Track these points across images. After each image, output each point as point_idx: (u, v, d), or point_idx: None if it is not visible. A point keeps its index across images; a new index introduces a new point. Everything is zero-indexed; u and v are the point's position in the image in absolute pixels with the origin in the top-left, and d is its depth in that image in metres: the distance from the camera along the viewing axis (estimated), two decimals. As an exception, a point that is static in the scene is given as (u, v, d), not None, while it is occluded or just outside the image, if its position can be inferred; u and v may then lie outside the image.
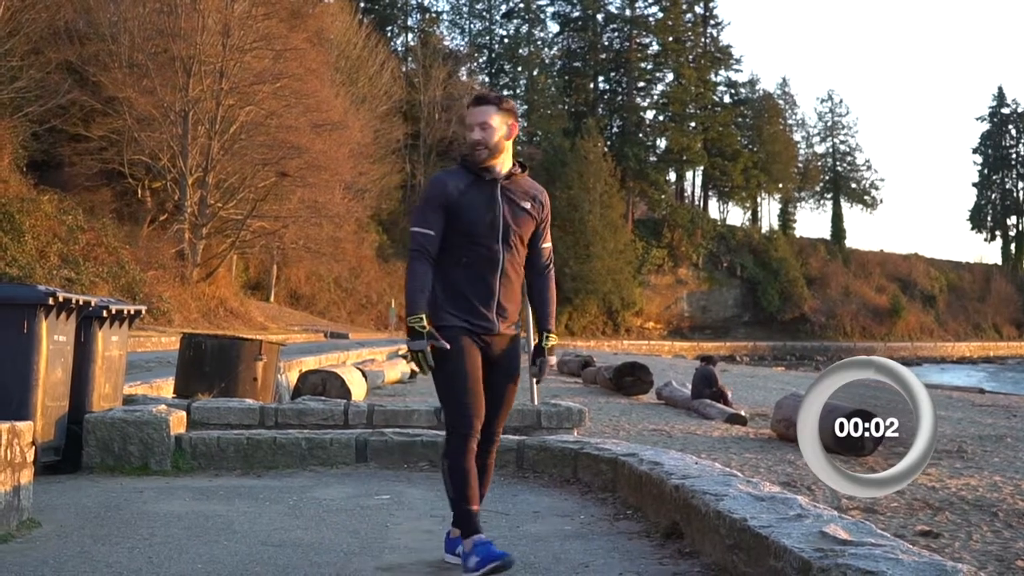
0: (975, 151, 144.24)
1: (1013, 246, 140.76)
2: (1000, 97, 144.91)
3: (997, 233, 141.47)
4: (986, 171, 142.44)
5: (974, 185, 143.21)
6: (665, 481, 5.48)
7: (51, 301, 7.16)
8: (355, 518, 5.91)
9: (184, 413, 8.43)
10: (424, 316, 4.64)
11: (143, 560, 4.85)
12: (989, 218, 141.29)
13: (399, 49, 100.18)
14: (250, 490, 6.90)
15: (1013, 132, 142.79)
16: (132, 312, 8.81)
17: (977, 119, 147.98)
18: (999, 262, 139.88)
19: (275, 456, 7.89)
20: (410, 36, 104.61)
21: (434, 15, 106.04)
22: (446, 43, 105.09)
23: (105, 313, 8.18)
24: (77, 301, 7.60)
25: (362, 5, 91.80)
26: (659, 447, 7.93)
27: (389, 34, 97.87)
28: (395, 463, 7.93)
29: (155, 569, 4.70)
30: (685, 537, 5.08)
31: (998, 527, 8.20)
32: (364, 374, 20.07)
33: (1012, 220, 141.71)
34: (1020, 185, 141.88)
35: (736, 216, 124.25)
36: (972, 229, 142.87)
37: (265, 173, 49.65)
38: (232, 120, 47.78)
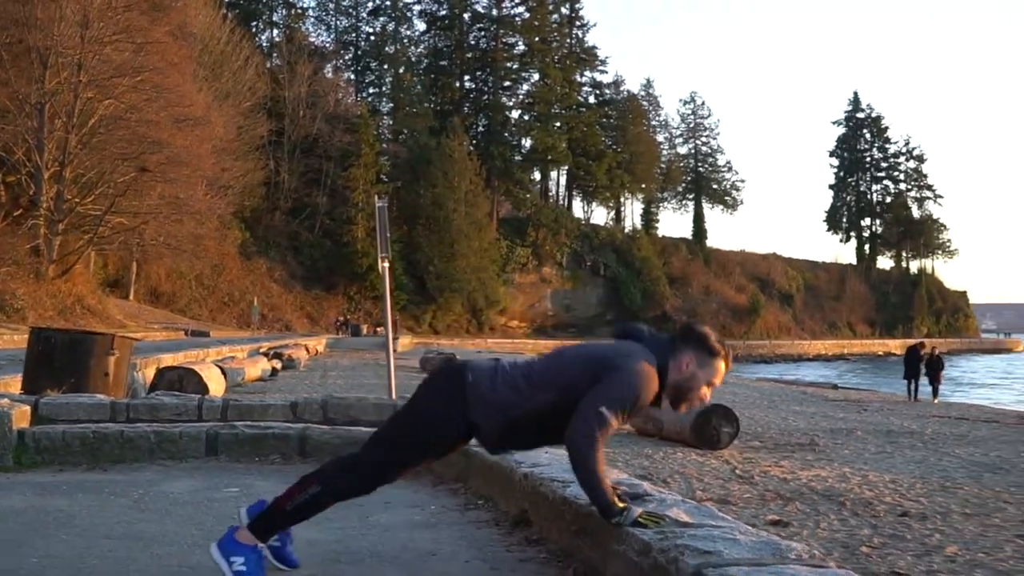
0: (831, 154, 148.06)
1: (867, 247, 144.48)
2: (855, 102, 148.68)
3: (852, 234, 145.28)
4: (842, 174, 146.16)
5: (830, 187, 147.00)
6: (515, 470, 5.47)
7: None
8: (201, 511, 5.80)
9: (28, 408, 8.17)
10: (618, 503, 4.02)
11: (-23, 556, 4.70)
12: (844, 219, 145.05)
13: (264, 45, 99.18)
14: (95, 484, 6.72)
15: (867, 136, 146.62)
16: (-24, 305, 8.53)
17: (833, 123, 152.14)
18: (854, 262, 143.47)
19: (123, 450, 7.67)
20: (275, 32, 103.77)
21: (300, 11, 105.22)
22: (312, 39, 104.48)
23: (-53, 305, 7.91)
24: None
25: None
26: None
27: (254, 29, 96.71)
28: (246, 456, 7.77)
29: (-12, 564, 4.55)
30: (533, 524, 5.08)
31: (845, 515, 8.37)
32: (223, 371, 19.70)
33: (866, 221, 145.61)
34: (874, 187, 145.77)
35: (600, 216, 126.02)
36: (828, 230, 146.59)
37: (125, 168, 48.71)
38: (91, 113, 46.78)
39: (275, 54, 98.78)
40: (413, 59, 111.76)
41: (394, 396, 10.94)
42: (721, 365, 4.35)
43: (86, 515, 5.64)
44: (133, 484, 6.73)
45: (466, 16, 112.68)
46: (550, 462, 5.55)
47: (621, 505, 4.00)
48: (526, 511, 5.18)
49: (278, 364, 28.78)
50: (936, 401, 30.79)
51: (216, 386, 17.47)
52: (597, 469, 4.02)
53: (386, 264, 13.07)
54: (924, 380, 31.72)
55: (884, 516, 8.43)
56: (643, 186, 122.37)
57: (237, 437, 7.88)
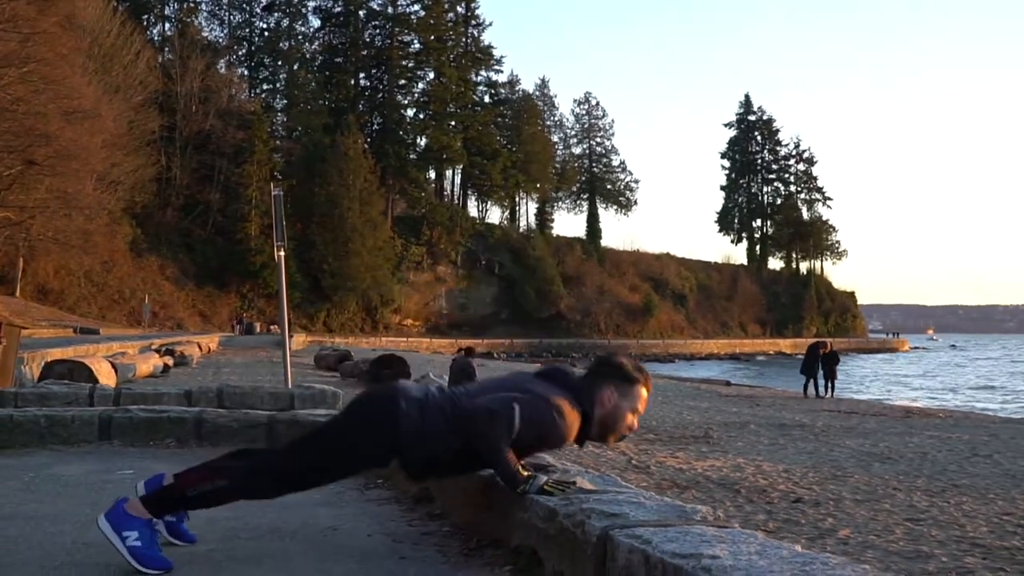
0: (723, 156, 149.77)
1: (758, 248, 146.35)
2: (747, 105, 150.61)
3: (743, 235, 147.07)
4: (733, 175, 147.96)
5: (722, 189, 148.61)
6: (416, 447, 5.45)
7: None
8: (95, 491, 5.67)
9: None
10: (523, 472, 4.03)
11: None
12: (736, 220, 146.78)
13: (156, 39, 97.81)
14: (-17, 468, 6.56)
15: (758, 138, 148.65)
16: None
17: (725, 125, 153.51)
18: (745, 263, 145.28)
19: (11, 435, 7.41)
20: (167, 26, 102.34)
21: (192, 5, 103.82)
22: (205, 34, 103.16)
23: None
24: None
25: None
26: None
27: (145, 23, 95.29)
28: (141, 440, 7.59)
29: None
30: (435, 500, 5.06)
31: (740, 502, 8.50)
32: (114, 366, 19.38)
33: (757, 223, 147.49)
34: (765, 189, 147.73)
35: (495, 215, 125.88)
36: (720, 231, 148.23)
37: (11, 161, 47.64)
38: (-26, 105, 45.73)
39: (167, 48, 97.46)
40: (307, 56, 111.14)
41: (290, 384, 10.80)
42: (642, 391, 4.38)
43: (-26, 497, 5.51)
44: (23, 467, 6.57)
45: (361, 13, 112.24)
46: (452, 439, 5.52)
47: (526, 474, 3.99)
48: (427, 488, 5.16)
49: (170, 361, 28.37)
50: (827, 396, 31.25)
51: (107, 380, 17.16)
52: (501, 441, 4.00)
53: (282, 253, 12.99)
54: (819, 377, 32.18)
55: (778, 503, 8.57)
56: (538, 186, 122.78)
57: (131, 421, 7.67)
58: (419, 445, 4.13)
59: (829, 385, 31.98)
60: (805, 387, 31.83)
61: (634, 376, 4.37)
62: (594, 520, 3.32)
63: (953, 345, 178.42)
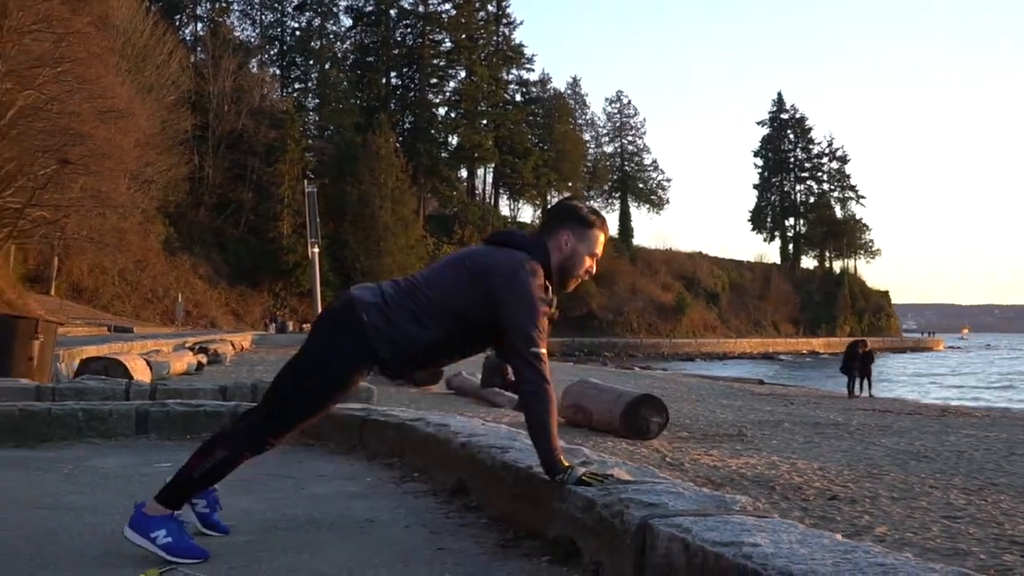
0: (756, 154, 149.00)
1: (791, 246, 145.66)
2: (779, 103, 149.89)
3: (776, 234, 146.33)
4: (766, 174, 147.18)
5: (755, 187, 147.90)
6: (452, 440, 5.45)
7: None
8: (133, 484, 5.71)
9: (-48, 390, 8.01)
10: (564, 461, 4.01)
11: (-99, 529, 4.58)
12: (769, 219, 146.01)
13: (188, 38, 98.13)
14: (22, 460, 6.58)
15: (791, 137, 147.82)
16: None
17: (758, 123, 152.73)
18: (778, 261, 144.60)
19: (50, 428, 7.47)
20: (199, 25, 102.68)
21: (224, 4, 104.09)
22: (237, 34, 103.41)
23: None
24: None
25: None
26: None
27: (177, 23, 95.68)
28: (177, 434, 7.63)
29: (-86, 537, 4.44)
30: (471, 493, 5.06)
31: (775, 499, 8.47)
32: (149, 364, 19.51)
33: (790, 221, 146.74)
34: (798, 188, 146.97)
35: (527, 214, 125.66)
36: (753, 230, 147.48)
37: (46, 160, 47.85)
38: (10, 104, 45.88)
39: (199, 48, 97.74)
40: (339, 55, 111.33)
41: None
42: (599, 234, 4.36)
43: (15, 488, 5.57)
44: (62, 460, 6.63)
45: (392, 12, 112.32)
46: (487, 432, 5.54)
47: (566, 464, 3.98)
48: (463, 480, 5.17)
49: (204, 359, 28.54)
50: (862, 395, 31.11)
51: (142, 377, 17.27)
52: (550, 421, 3.95)
53: (316, 249, 13.05)
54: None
55: (814, 500, 8.53)
56: (569, 184, 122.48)
57: (168, 415, 7.73)
58: (395, 350, 4.10)
59: (866, 383, 31.84)
60: (848, 385, 31.71)
61: (590, 219, 4.35)
62: (633, 510, 3.32)
63: (988, 345, 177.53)
